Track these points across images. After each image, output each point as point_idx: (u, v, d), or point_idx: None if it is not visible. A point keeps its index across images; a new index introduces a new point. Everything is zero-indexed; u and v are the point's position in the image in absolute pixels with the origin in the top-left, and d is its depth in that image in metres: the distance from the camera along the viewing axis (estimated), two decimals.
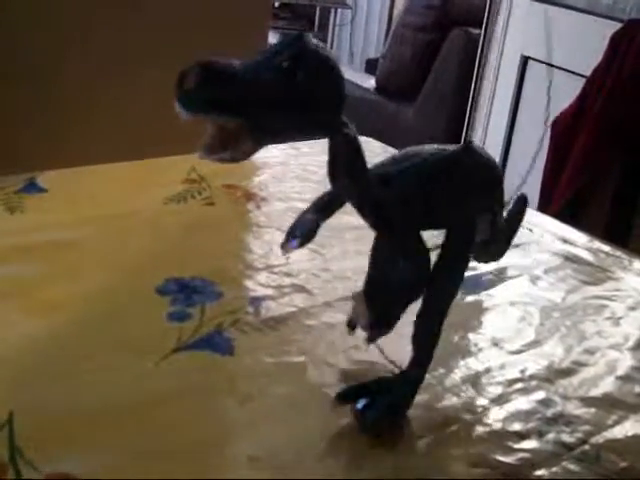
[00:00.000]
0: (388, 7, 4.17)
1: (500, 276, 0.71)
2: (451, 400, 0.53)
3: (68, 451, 0.44)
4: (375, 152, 0.93)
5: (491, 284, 0.69)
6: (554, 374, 0.57)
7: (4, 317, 0.56)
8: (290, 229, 0.53)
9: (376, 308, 0.50)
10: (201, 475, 0.44)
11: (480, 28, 2.65)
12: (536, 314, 0.65)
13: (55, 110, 1.13)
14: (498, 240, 0.57)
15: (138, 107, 1.18)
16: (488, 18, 2.59)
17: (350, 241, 0.72)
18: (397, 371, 0.53)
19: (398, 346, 0.54)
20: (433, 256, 0.49)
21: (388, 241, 0.50)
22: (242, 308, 0.60)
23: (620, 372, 0.59)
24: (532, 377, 0.57)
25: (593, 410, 0.54)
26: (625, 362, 0.60)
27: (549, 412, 0.53)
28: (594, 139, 1.99)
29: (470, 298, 0.66)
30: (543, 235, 0.81)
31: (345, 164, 0.45)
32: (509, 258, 0.74)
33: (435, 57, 3.01)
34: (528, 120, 2.50)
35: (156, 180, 0.81)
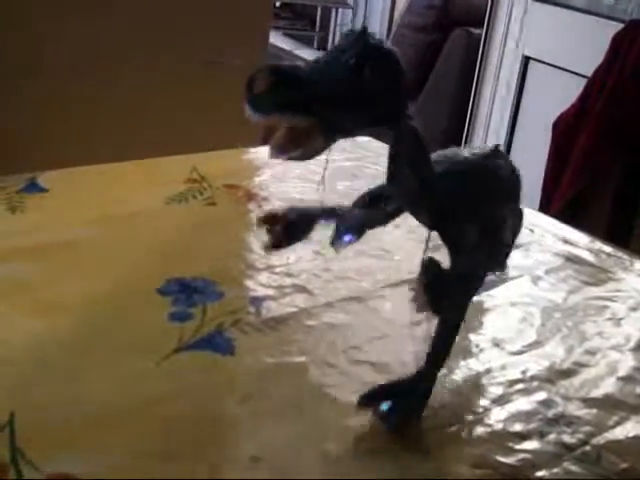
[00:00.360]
0: (389, 7, 4.17)
1: (501, 277, 0.70)
2: (452, 400, 0.53)
3: (69, 451, 0.44)
4: (377, 152, 0.93)
5: (492, 285, 0.69)
6: (555, 375, 0.57)
7: (5, 317, 0.56)
8: (337, 227, 0.52)
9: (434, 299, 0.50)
10: (202, 475, 0.44)
11: (481, 28, 2.65)
12: (537, 315, 0.65)
13: (57, 110, 1.13)
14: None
15: (140, 107, 1.18)
16: (489, 18, 2.59)
17: None
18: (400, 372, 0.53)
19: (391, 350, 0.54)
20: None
21: (442, 234, 0.50)
22: (243, 308, 0.60)
23: (621, 373, 0.59)
24: (533, 378, 0.57)
25: (594, 411, 0.54)
26: (626, 363, 0.60)
27: (550, 413, 0.53)
28: (595, 140, 1.98)
29: None
30: (544, 236, 0.81)
31: (409, 155, 0.46)
32: (510, 259, 0.74)
33: (436, 57, 3.01)
34: (529, 120, 2.50)
35: (157, 180, 0.81)
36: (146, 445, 0.46)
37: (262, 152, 0.93)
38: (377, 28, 4.26)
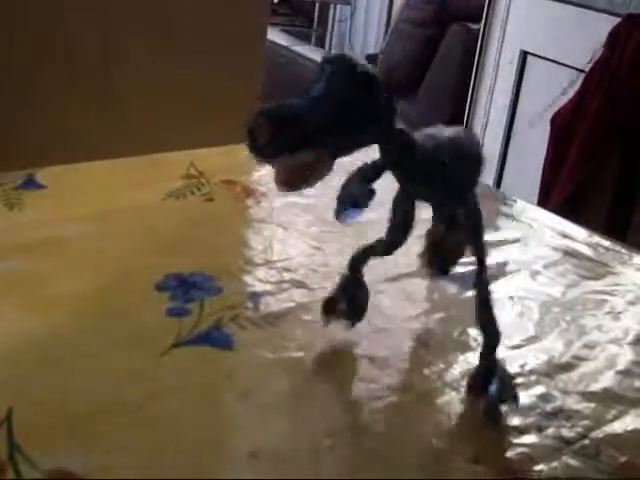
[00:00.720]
0: (387, 2, 4.17)
1: (500, 271, 0.71)
2: (450, 395, 0.53)
3: (67, 448, 0.44)
4: (373, 147, 0.92)
5: (490, 279, 0.69)
6: (554, 369, 0.57)
7: (3, 313, 0.56)
8: (340, 199, 0.52)
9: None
10: (201, 471, 0.44)
11: (479, 23, 2.64)
12: (536, 309, 0.65)
13: (54, 107, 1.13)
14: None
15: (137, 103, 1.18)
16: (487, 13, 2.59)
17: (349, 236, 0.72)
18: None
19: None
20: None
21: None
22: (241, 303, 0.60)
23: (620, 367, 0.59)
24: (532, 372, 0.57)
25: (593, 405, 0.54)
26: (625, 357, 0.60)
27: (549, 407, 0.53)
28: (593, 134, 1.98)
29: (469, 293, 0.66)
30: (542, 230, 0.81)
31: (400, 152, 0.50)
32: (509, 253, 0.74)
33: (434, 52, 3.01)
34: (527, 115, 2.49)
35: (155, 176, 0.81)
36: (145, 441, 0.46)
37: None
38: (375, 23, 4.26)
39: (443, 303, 0.65)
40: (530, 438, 0.50)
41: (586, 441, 0.50)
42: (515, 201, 0.88)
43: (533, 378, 0.56)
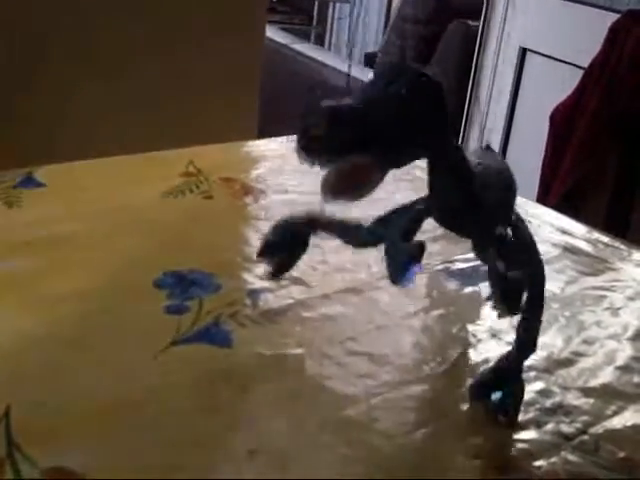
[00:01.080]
0: (386, 0, 4.16)
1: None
2: (449, 391, 0.53)
3: (66, 446, 0.44)
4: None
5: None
6: (553, 365, 0.57)
7: (1, 311, 0.56)
8: (395, 261, 0.50)
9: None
10: (200, 468, 0.44)
11: (479, 20, 2.64)
12: None
13: (53, 105, 1.13)
14: None
15: (136, 101, 1.18)
16: (487, 10, 2.59)
17: None
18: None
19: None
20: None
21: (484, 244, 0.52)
22: (240, 300, 0.60)
23: (619, 362, 0.59)
24: (531, 368, 0.57)
25: (592, 400, 0.54)
26: (624, 352, 0.60)
27: (548, 402, 0.53)
28: (592, 130, 1.98)
29: (468, 289, 0.66)
30: (541, 226, 0.81)
31: (454, 174, 0.47)
32: None
33: (434, 49, 3.00)
34: (527, 112, 2.49)
35: (154, 174, 0.81)
36: (144, 438, 0.46)
37: (258, 145, 0.93)
38: (375, 21, 4.26)
39: (442, 300, 0.65)
40: (529, 434, 0.50)
41: (585, 437, 0.50)
42: None
43: (532, 374, 0.56)
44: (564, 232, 0.80)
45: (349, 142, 0.41)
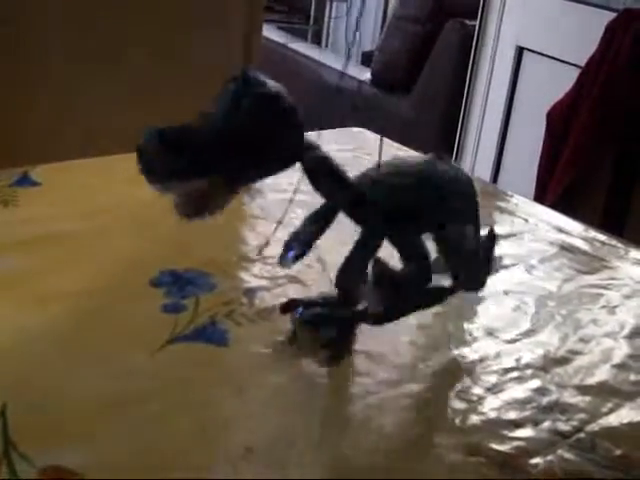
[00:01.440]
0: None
1: (495, 265, 0.70)
2: (446, 389, 0.53)
3: (63, 444, 0.44)
4: (369, 143, 0.92)
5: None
6: (549, 363, 0.57)
7: None
8: (287, 242, 0.53)
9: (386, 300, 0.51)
10: (197, 466, 0.44)
11: (475, 19, 2.64)
12: (531, 303, 0.65)
13: (49, 104, 1.13)
14: (481, 264, 0.60)
15: (131, 100, 1.18)
16: (483, 9, 2.59)
17: (344, 232, 0.72)
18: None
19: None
20: None
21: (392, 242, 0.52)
22: (236, 299, 0.60)
23: (615, 360, 0.59)
24: (527, 366, 0.57)
25: (588, 398, 0.54)
26: (620, 350, 0.60)
27: (544, 401, 0.53)
28: (589, 129, 1.98)
29: None
30: (538, 224, 0.81)
31: (326, 182, 0.48)
32: (504, 248, 0.74)
33: (430, 49, 3.00)
34: (524, 110, 2.49)
35: None
36: (140, 436, 0.46)
37: None
38: (371, 20, 4.26)
39: None
40: (526, 432, 0.50)
41: (582, 434, 0.50)
42: (511, 196, 0.88)
43: (529, 372, 0.56)
44: (561, 230, 0.80)
45: (186, 167, 0.40)
